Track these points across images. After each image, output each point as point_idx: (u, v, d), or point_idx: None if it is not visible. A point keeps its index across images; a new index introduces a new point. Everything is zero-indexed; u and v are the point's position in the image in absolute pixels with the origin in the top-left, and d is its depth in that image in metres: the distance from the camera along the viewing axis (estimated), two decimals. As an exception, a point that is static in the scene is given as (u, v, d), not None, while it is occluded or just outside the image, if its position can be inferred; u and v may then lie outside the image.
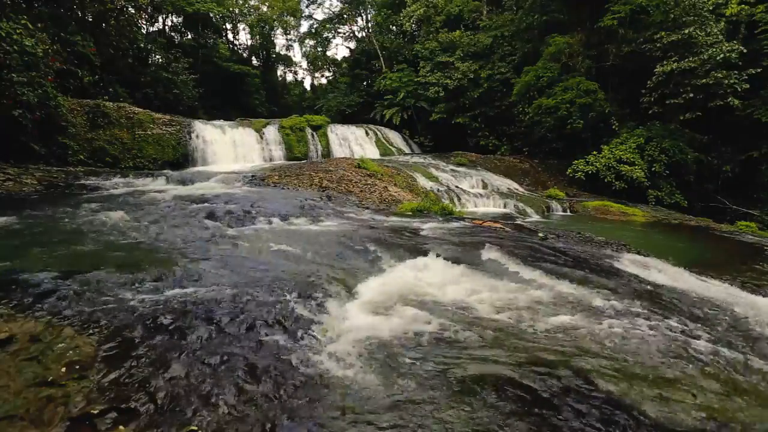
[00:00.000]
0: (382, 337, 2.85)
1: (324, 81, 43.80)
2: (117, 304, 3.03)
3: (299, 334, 2.83)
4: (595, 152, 14.99)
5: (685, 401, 2.33)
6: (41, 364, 2.26)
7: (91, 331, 2.61)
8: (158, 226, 5.63)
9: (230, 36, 35.94)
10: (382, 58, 27.45)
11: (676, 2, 13.95)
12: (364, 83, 29.52)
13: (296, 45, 42.74)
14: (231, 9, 33.32)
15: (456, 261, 4.62)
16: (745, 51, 13.25)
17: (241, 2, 34.81)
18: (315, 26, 36.16)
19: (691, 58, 13.55)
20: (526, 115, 18.01)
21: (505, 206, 12.08)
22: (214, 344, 2.61)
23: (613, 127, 15.86)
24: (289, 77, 45.83)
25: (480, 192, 13.40)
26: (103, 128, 12.51)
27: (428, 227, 6.73)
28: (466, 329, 3.04)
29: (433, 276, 4.12)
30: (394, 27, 30.08)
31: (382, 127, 22.58)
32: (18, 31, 9.30)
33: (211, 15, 29.26)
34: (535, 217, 11.47)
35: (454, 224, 7.26)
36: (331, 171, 11.59)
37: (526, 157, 18.67)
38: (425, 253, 4.90)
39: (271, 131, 17.20)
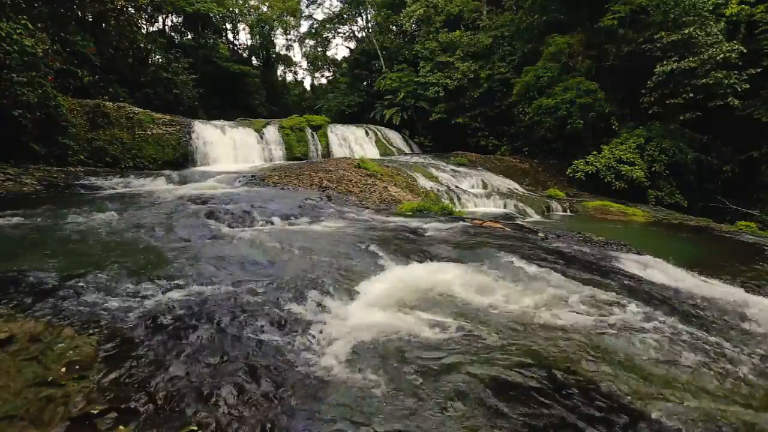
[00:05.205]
0: (383, 337, 2.85)
1: (324, 81, 43.84)
2: (117, 304, 3.03)
3: (300, 333, 2.83)
4: (595, 152, 14.98)
5: (685, 401, 2.33)
6: (41, 364, 2.26)
7: (91, 331, 2.61)
8: (158, 226, 5.63)
9: (230, 36, 35.97)
10: (382, 58, 27.43)
11: (676, 2, 13.92)
12: (364, 83, 29.51)
13: (296, 45, 42.76)
14: (231, 9, 33.29)
15: (456, 260, 4.62)
16: (745, 51, 13.21)
17: (241, 2, 34.77)
18: (315, 26, 36.19)
19: (691, 58, 13.52)
20: (526, 115, 17.98)
21: (505, 206, 12.07)
22: (214, 344, 2.61)
23: (613, 127, 15.84)
24: (289, 77, 45.91)
25: (480, 192, 13.39)
26: (103, 128, 12.49)
27: (428, 227, 6.72)
28: (468, 329, 3.03)
29: (434, 275, 4.12)
30: (394, 27, 30.07)
31: (382, 127, 22.55)
32: (18, 31, 9.28)
33: (211, 15, 29.21)
34: (535, 217, 11.46)
35: (455, 224, 7.25)
36: (331, 171, 11.58)
37: (526, 157, 18.65)
38: (425, 253, 4.90)
39: (271, 131, 17.19)
